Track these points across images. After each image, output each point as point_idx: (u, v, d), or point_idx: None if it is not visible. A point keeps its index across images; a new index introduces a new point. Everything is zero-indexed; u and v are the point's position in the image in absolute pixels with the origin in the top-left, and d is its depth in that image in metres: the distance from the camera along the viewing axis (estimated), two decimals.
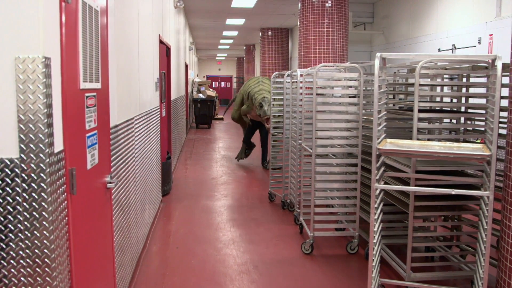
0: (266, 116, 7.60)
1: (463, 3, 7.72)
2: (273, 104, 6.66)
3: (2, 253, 1.82)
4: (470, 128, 3.95)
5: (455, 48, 7.86)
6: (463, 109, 4.13)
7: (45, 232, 1.83)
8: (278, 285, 3.81)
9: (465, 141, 3.86)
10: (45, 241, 1.83)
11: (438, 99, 4.51)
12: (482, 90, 5.19)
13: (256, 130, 8.95)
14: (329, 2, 8.74)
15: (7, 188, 1.79)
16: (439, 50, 8.37)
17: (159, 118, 5.83)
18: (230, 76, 32.37)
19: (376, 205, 3.00)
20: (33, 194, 1.81)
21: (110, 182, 2.70)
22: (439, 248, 4.05)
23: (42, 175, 1.80)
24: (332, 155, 4.78)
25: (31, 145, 1.79)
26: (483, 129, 3.81)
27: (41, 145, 1.79)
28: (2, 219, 1.80)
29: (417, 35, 9.30)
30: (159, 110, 5.85)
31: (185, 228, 5.21)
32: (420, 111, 3.40)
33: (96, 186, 2.48)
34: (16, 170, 1.79)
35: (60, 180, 1.93)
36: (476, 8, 7.37)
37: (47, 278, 1.85)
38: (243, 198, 6.66)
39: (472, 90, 4.99)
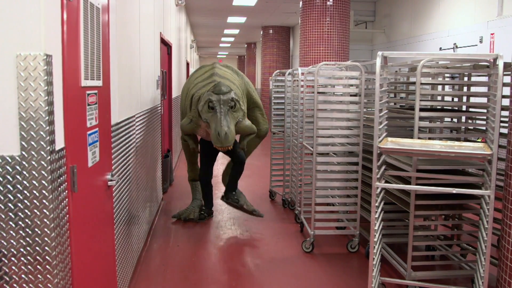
0: (221, 145, 4.34)
1: (465, 2, 7.71)
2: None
3: (3, 250, 1.82)
4: (471, 127, 3.94)
5: (457, 47, 7.85)
6: (464, 108, 4.12)
7: (46, 229, 1.83)
8: (278, 283, 3.81)
9: (466, 140, 3.86)
10: (46, 239, 1.83)
11: (439, 98, 4.50)
12: (483, 89, 5.19)
13: (214, 156, 5.31)
14: (331, 0, 8.72)
15: (8, 186, 1.79)
16: (440, 49, 8.36)
17: (160, 116, 5.83)
18: None
19: (377, 204, 3.00)
20: (34, 192, 1.81)
21: (111, 180, 2.70)
22: (440, 247, 4.05)
23: (43, 172, 1.80)
24: (333, 153, 4.78)
25: (32, 143, 1.79)
26: (484, 128, 3.81)
27: (42, 143, 1.79)
28: (3, 216, 1.81)
29: (419, 34, 9.28)
30: (160, 108, 5.85)
31: (186, 226, 5.21)
32: (421, 110, 3.39)
33: (97, 183, 2.48)
34: (17, 167, 1.79)
35: (61, 178, 1.94)
36: (477, 7, 7.36)
37: (48, 276, 1.85)
38: None
39: (473, 89, 4.98)
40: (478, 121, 4.02)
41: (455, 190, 2.89)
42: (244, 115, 4.74)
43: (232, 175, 5.17)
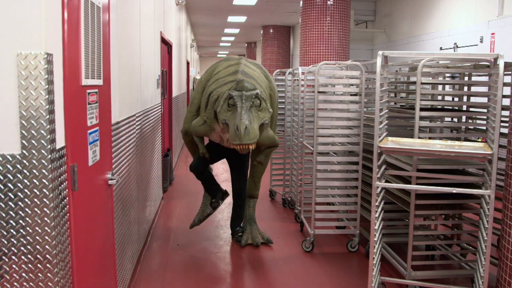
0: (239, 142, 3.52)
1: (465, 2, 7.71)
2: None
3: (3, 249, 1.82)
4: (472, 127, 3.95)
5: (457, 47, 7.84)
6: (464, 107, 4.13)
7: (46, 228, 1.83)
8: (278, 283, 3.81)
9: (466, 139, 3.86)
10: (46, 237, 1.84)
11: (439, 97, 4.50)
12: (484, 89, 5.19)
13: (221, 157, 4.68)
14: (331, 0, 8.73)
15: (9, 184, 1.80)
16: (441, 48, 8.36)
17: (160, 115, 5.83)
18: None
19: (377, 203, 3.00)
20: (35, 190, 1.81)
21: (112, 179, 2.70)
22: (440, 247, 4.06)
23: (43, 171, 1.80)
24: (333, 153, 4.78)
25: (33, 141, 1.79)
26: (484, 128, 3.81)
27: (42, 141, 1.79)
28: (3, 215, 1.81)
29: (419, 33, 9.28)
30: (160, 107, 5.85)
31: (186, 225, 5.21)
32: (421, 109, 3.39)
33: (97, 182, 2.48)
34: (18, 166, 1.79)
35: (61, 177, 1.94)
36: (478, 6, 7.36)
37: (48, 274, 1.85)
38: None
39: (473, 88, 4.98)
40: (478, 121, 4.02)
41: (455, 190, 2.89)
42: (269, 117, 3.92)
43: (233, 210, 4.74)
